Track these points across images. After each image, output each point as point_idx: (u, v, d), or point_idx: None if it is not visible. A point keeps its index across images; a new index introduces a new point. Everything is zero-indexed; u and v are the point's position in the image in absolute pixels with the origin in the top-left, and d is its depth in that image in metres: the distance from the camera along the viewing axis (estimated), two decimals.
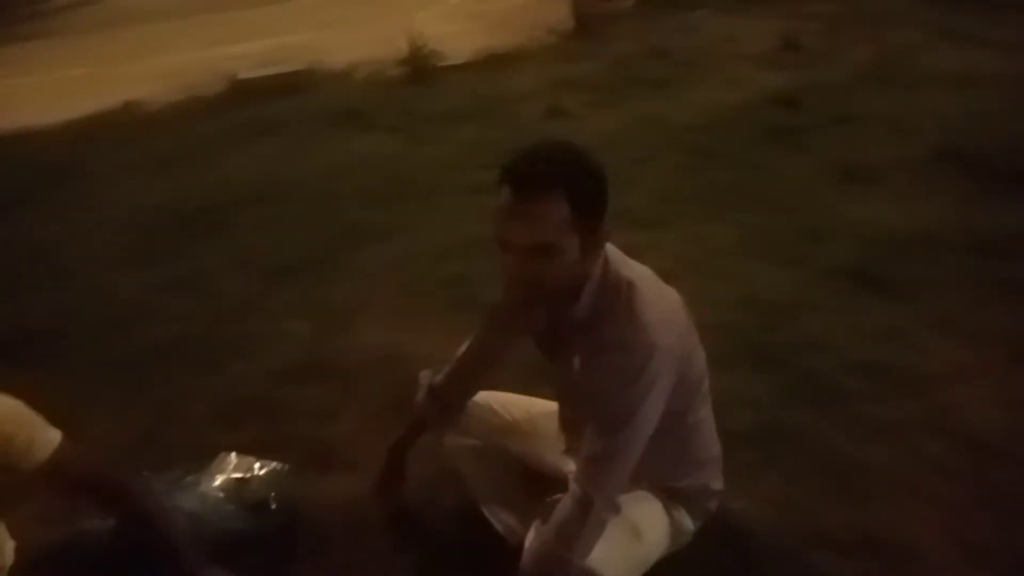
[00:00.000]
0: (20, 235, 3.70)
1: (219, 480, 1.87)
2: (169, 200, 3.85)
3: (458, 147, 3.95)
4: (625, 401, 1.37)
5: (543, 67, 5.06)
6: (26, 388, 1.50)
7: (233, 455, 1.95)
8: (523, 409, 1.82)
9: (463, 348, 1.77)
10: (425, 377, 1.80)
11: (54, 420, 1.51)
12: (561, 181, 1.28)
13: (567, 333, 1.46)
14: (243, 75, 5.37)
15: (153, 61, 6.23)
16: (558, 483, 1.65)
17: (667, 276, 2.56)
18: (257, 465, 1.93)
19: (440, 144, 4.06)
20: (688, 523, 1.61)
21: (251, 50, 6.08)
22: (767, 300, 2.64)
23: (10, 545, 1.61)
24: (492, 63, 5.20)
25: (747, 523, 1.82)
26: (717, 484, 1.65)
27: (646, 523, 1.53)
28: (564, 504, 1.41)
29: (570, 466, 1.65)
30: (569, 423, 1.67)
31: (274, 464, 1.94)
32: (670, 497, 1.59)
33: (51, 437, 1.48)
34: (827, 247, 2.92)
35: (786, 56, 4.93)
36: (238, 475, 1.89)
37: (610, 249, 1.44)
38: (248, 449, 2.04)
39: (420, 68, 5.04)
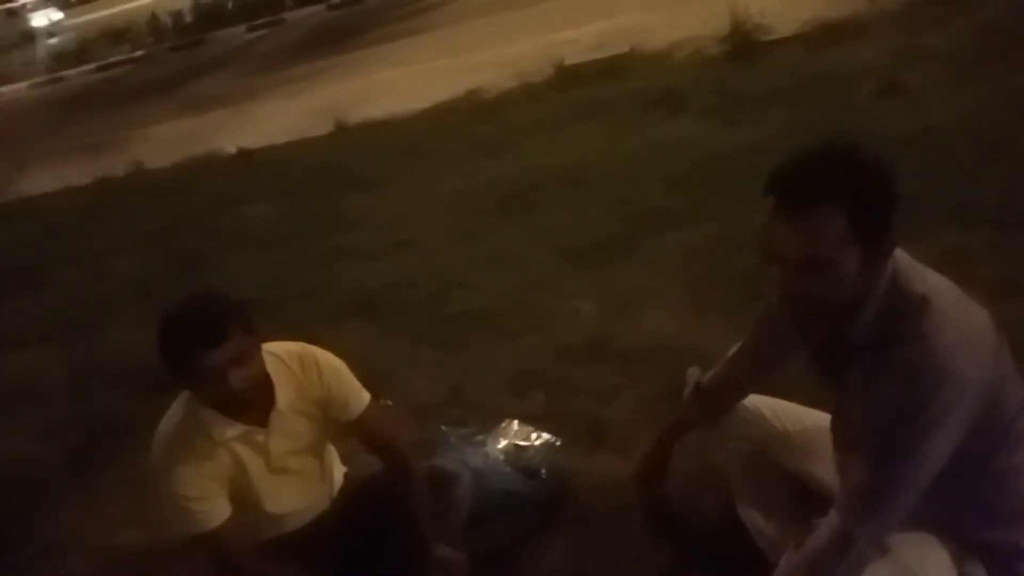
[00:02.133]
0: (377, 211, 4.40)
1: (502, 444, 2.09)
2: (492, 181, 4.26)
3: (772, 130, 3.73)
4: (905, 434, 1.23)
5: (886, 37, 4.50)
6: (363, 342, 1.80)
7: (516, 423, 2.16)
8: (797, 419, 1.72)
9: (734, 349, 1.73)
10: (693, 375, 1.79)
11: (383, 373, 1.80)
12: (836, 191, 1.17)
13: (845, 350, 1.34)
14: (569, 61, 5.65)
15: (494, 51, 6.84)
16: (828, 504, 1.56)
17: (1008, 287, 2.19)
18: (534, 435, 2.11)
19: (753, 127, 3.87)
20: None
21: (579, 35, 6.36)
22: None
23: (340, 470, 1.95)
24: (824, 35, 4.75)
25: None
26: None
27: (926, 571, 1.35)
28: (820, 533, 1.33)
29: None
30: (842, 443, 1.53)
31: (549, 437, 2.10)
32: (965, 549, 1.38)
33: (363, 398, 1.77)
34: None
35: None
36: (517, 442, 2.08)
37: (901, 259, 1.29)
38: (531, 418, 2.24)
39: (742, 45, 4.82)
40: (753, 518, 1.73)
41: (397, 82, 7.02)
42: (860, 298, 1.27)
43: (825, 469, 1.62)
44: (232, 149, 6.37)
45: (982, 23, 4.28)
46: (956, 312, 1.24)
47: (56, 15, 21.02)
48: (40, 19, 20.70)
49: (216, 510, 1.61)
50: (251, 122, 7.31)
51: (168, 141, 7.37)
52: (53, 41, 17.76)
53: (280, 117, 7.11)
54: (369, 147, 5.49)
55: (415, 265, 3.64)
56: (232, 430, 1.61)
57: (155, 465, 1.61)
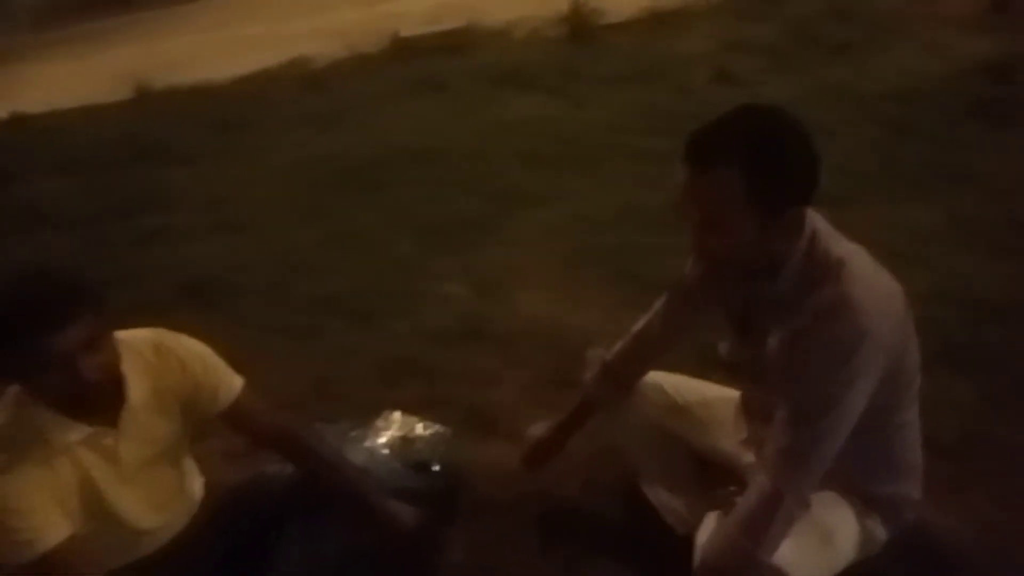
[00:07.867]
0: (194, 187, 3.90)
1: (385, 438, 1.89)
2: (331, 156, 3.93)
3: (620, 111, 3.80)
4: (826, 390, 1.26)
5: (712, 28, 4.76)
6: (202, 335, 1.54)
7: (397, 414, 1.97)
8: (697, 392, 1.73)
9: (641, 323, 1.70)
10: (595, 355, 1.74)
11: (232, 366, 1.56)
12: (734, 153, 1.20)
13: (764, 311, 1.37)
14: (404, 33, 5.42)
15: (320, 19, 6.40)
16: (731, 474, 1.59)
17: None
18: (420, 426, 1.93)
19: (602, 107, 3.92)
20: (881, 533, 1.47)
21: (414, 8, 6.11)
22: (974, 295, 2.35)
23: (199, 481, 1.67)
24: (656, 22, 4.94)
25: (945, 540, 1.67)
26: (916, 494, 1.50)
27: (838, 528, 1.42)
28: (749, 497, 1.33)
29: (747, 458, 1.55)
30: (754, 410, 1.55)
31: (438, 427, 1.94)
32: (865, 503, 1.45)
33: (235, 384, 1.53)
34: None
35: (994, 19, 4.38)
36: (402, 434, 1.90)
37: (819, 223, 1.33)
38: (410, 408, 2.05)
39: (580, 27, 4.88)
40: (658, 494, 1.73)
41: (206, 47, 6.32)
42: (778, 259, 1.29)
43: (727, 440, 1.64)
44: (3, 114, 5.42)
45: (795, 19, 4.66)
46: (870, 275, 1.30)
47: None
48: None
49: (50, 528, 1.28)
50: (25, 85, 6.28)
51: None
52: None
53: (64, 80, 6.16)
54: (180, 116, 4.88)
55: (249, 247, 3.25)
56: (75, 433, 1.31)
57: None
